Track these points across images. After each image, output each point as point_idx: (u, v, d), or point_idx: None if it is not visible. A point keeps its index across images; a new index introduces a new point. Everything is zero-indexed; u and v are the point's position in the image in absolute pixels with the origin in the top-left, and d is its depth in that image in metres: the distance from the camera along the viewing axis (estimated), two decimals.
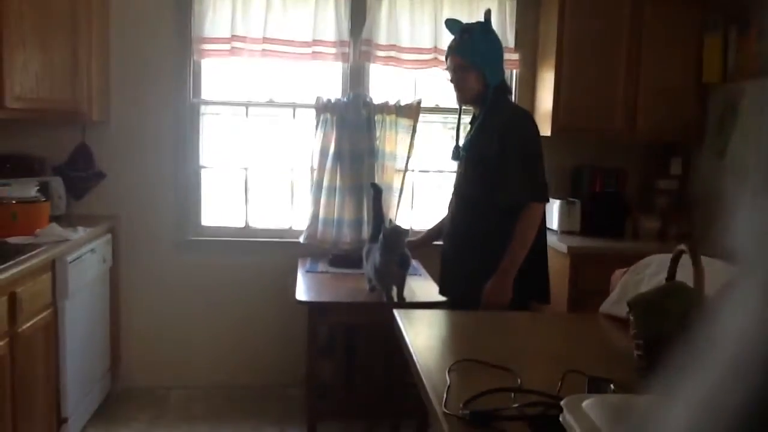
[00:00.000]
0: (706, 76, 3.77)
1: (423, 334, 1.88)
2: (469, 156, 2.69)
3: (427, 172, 4.17)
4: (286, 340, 3.85)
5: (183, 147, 3.86)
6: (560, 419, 1.00)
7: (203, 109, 3.93)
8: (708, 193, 3.86)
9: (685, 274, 1.62)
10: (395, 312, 2.01)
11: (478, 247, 2.61)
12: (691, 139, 3.89)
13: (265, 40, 3.77)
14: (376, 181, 3.81)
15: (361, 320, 3.29)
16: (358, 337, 3.73)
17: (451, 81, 2.74)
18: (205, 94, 3.92)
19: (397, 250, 2.86)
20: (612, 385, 1.18)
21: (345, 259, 3.65)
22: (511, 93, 2.72)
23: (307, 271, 3.53)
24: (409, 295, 3.00)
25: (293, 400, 3.77)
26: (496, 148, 2.57)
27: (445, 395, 1.42)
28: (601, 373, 1.48)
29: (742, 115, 3.59)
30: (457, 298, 2.69)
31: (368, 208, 3.71)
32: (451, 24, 2.74)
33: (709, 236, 3.84)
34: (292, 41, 3.79)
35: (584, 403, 0.90)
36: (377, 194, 3.22)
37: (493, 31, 2.74)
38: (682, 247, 1.62)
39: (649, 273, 1.94)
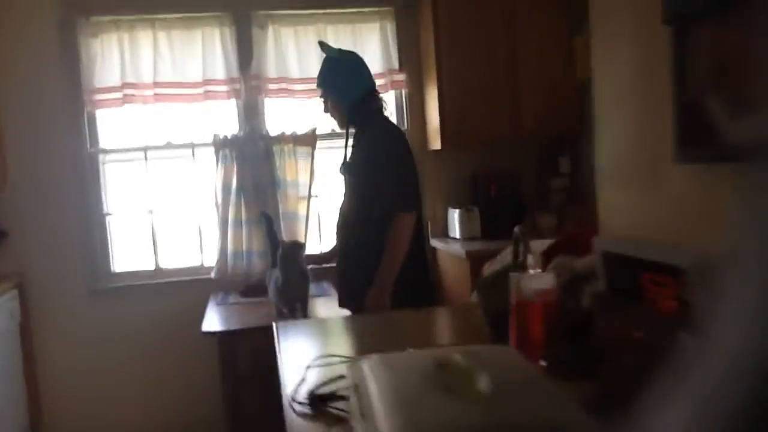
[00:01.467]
0: (579, 72, 3.99)
1: (297, 341, 1.97)
2: (346, 174, 2.81)
3: (334, 197, 4.29)
4: (206, 375, 3.87)
5: (86, 197, 3.89)
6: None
7: (102, 157, 3.97)
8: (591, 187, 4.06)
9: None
10: (274, 325, 2.10)
11: (360, 260, 2.68)
12: (574, 132, 4.09)
13: (156, 84, 3.85)
14: (281, 210, 3.91)
15: (273, 344, 3.34)
16: (272, 363, 3.77)
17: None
18: (103, 142, 3.97)
19: (296, 264, 2.95)
20: (411, 349, 1.27)
21: (256, 288, 3.71)
22: (380, 109, 2.82)
23: (218, 305, 3.58)
24: (313, 313, 3.08)
25: None
26: (364, 164, 2.69)
27: (296, 387, 1.50)
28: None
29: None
30: (353, 311, 2.78)
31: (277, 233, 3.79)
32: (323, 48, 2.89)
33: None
34: (184, 83, 3.88)
35: (363, 360, 1.00)
36: (268, 222, 3.32)
37: (335, 56, 2.84)
38: (517, 230, 1.76)
39: (502, 259, 2.07)
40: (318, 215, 4.16)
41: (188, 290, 3.94)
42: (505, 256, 2.25)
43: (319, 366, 1.66)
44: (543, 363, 1.16)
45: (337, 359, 1.70)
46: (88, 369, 3.90)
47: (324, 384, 1.47)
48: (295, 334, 2.05)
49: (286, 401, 1.44)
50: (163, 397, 3.96)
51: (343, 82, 2.78)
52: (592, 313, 1.26)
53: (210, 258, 3.99)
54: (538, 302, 1.19)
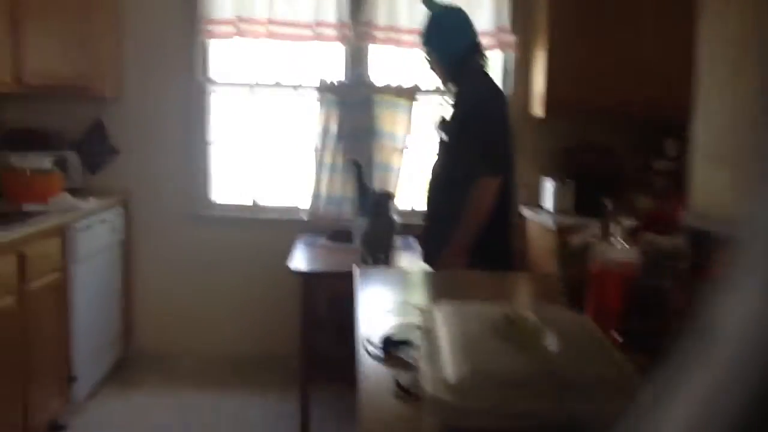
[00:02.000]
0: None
1: (376, 287, 2.02)
2: (441, 132, 2.81)
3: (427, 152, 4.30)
4: (287, 312, 4.01)
5: (193, 124, 4.05)
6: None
7: (211, 87, 4.11)
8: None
9: None
10: (354, 267, 2.15)
11: (444, 220, 2.68)
12: (685, 115, 3.90)
13: (270, 21, 3.93)
14: (375, 159, 3.95)
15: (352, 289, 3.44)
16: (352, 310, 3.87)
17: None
18: (213, 72, 4.11)
19: (385, 214, 3.01)
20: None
21: (343, 234, 3.79)
22: (481, 68, 2.77)
23: (306, 245, 3.69)
24: (395, 264, 3.14)
25: (294, 370, 3.93)
26: (457, 124, 2.67)
27: (371, 330, 1.55)
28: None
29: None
30: (434, 269, 2.80)
31: (367, 181, 3.84)
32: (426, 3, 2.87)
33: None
34: (296, 22, 3.95)
35: (436, 306, 1.03)
36: (358, 169, 3.35)
37: (438, 12, 2.81)
38: (609, 206, 1.73)
39: (589, 233, 2.04)
40: (409, 169, 4.17)
41: (280, 228, 4.06)
42: (592, 230, 2.21)
43: (394, 313, 1.71)
44: (615, 334, 1.15)
45: (413, 308, 1.74)
46: (179, 290, 4.12)
47: (398, 330, 1.51)
48: (375, 281, 2.10)
49: (360, 342, 1.50)
50: (244, 325, 4.14)
51: (445, 39, 2.75)
52: (670, 292, 1.23)
53: (303, 199, 4.09)
54: (618, 273, 1.18)
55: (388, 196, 3.03)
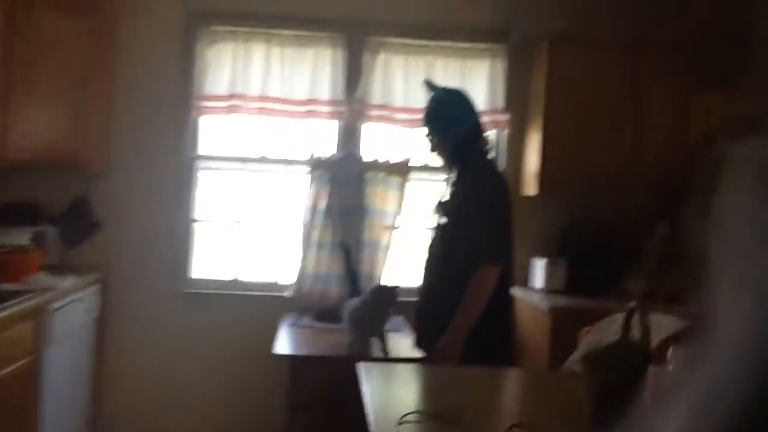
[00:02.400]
0: (692, 134, 3.82)
1: (381, 388, 1.89)
2: (441, 214, 2.74)
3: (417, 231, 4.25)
4: (270, 396, 3.83)
5: (179, 201, 3.94)
6: None
7: (200, 163, 4.02)
8: (694, 252, 3.85)
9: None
10: (357, 365, 2.03)
11: (441, 303, 2.59)
12: (678, 198, 3.91)
13: (263, 98, 3.88)
14: (365, 237, 3.86)
15: (342, 374, 3.28)
16: (340, 393, 3.70)
17: None
18: (202, 149, 4.02)
19: (386, 311, 2.92)
20: None
21: (331, 313, 3.66)
22: (484, 152, 2.73)
23: (291, 326, 3.54)
24: (390, 349, 3.00)
25: None
26: (458, 207, 2.61)
27: None
28: (550, 427, 1.49)
29: (726, 175, 3.62)
30: (427, 353, 2.69)
31: (356, 263, 3.74)
32: (428, 86, 2.84)
33: (696, 294, 3.83)
34: (289, 99, 3.90)
35: None
36: (347, 251, 3.26)
37: (440, 94, 2.79)
38: (633, 304, 1.64)
39: (611, 331, 1.94)
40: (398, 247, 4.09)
41: (263, 305, 3.92)
42: (609, 325, 2.12)
43: (410, 423, 1.58)
44: None
45: (429, 418, 1.62)
46: (154, 370, 3.92)
47: None
48: (378, 379, 1.97)
49: None
50: (223, 409, 3.94)
51: (447, 123, 2.71)
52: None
53: (288, 276, 3.96)
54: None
55: (394, 294, 2.93)
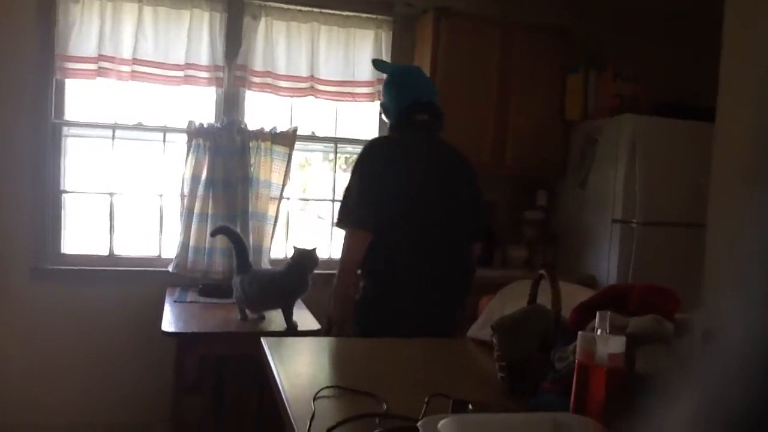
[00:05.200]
0: (568, 114, 4.00)
1: (290, 363, 1.84)
2: None
3: (307, 200, 4.20)
4: (155, 374, 3.66)
5: (43, 170, 3.63)
6: None
7: (66, 130, 3.72)
8: (570, 222, 4.07)
9: (545, 298, 1.68)
10: (263, 341, 1.96)
11: None
12: (555, 172, 4.10)
13: (135, 61, 3.63)
14: (250, 209, 3.74)
15: (234, 351, 3.19)
16: (228, 370, 3.60)
17: None
18: (69, 114, 3.72)
19: (309, 273, 2.87)
20: (470, 405, 1.19)
21: (216, 288, 3.54)
22: (404, 125, 2.70)
23: (176, 301, 3.38)
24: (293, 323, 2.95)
25: None
26: None
27: (308, 424, 1.38)
28: (466, 395, 1.50)
29: (600, 149, 3.84)
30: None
31: (243, 236, 3.62)
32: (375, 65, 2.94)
33: (570, 262, 4.05)
34: (164, 63, 3.68)
35: (440, 424, 0.89)
36: (230, 234, 3.14)
37: (387, 72, 2.83)
38: (542, 271, 1.68)
39: (513, 298, 1.99)
40: (287, 218, 4.01)
41: (142, 281, 3.72)
42: (511, 291, 2.17)
43: (326, 397, 1.54)
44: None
45: (344, 391, 1.59)
46: (24, 350, 3.62)
47: (343, 422, 1.35)
48: (286, 354, 1.92)
49: None
50: (101, 389, 3.71)
51: (386, 99, 2.74)
52: (648, 379, 1.19)
53: (168, 250, 3.78)
54: (607, 366, 1.10)
55: (314, 258, 2.88)
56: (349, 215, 2.55)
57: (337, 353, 2.06)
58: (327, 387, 1.60)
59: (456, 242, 2.64)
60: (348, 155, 4.18)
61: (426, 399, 1.49)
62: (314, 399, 1.53)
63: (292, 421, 1.42)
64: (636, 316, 1.30)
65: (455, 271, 2.63)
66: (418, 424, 1.01)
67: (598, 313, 1.16)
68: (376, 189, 2.54)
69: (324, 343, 2.18)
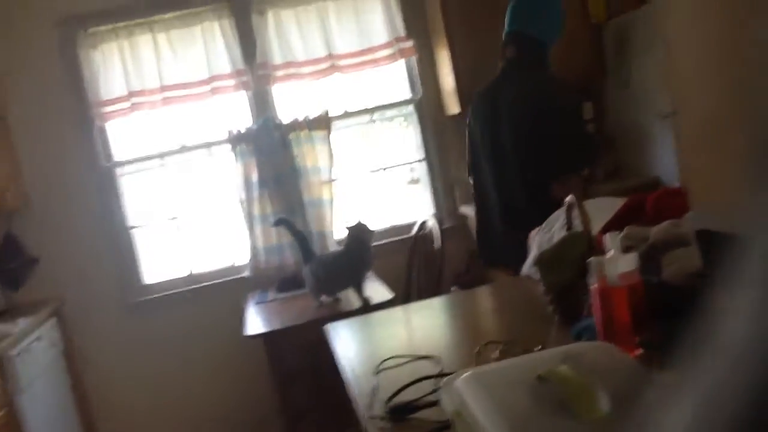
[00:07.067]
0: (593, 15, 3.86)
1: (352, 342, 1.90)
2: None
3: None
4: (254, 375, 3.83)
5: (108, 212, 3.83)
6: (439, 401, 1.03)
7: (120, 170, 3.90)
8: (622, 125, 3.95)
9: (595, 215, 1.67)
10: (325, 328, 2.03)
11: None
12: (595, 77, 3.97)
13: (163, 88, 3.75)
14: (305, 198, 3.82)
15: (319, 336, 3.29)
16: (321, 354, 3.72)
17: None
18: (117, 154, 3.89)
19: (366, 247, 2.93)
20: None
21: (292, 281, 3.64)
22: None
23: (257, 303, 3.52)
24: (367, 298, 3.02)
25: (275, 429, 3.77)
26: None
27: (369, 400, 1.43)
28: (521, 336, 1.52)
29: (636, 44, 3.69)
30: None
31: (304, 226, 3.72)
32: None
33: (633, 167, 3.94)
34: (190, 83, 3.78)
35: (458, 381, 0.92)
36: (288, 225, 3.23)
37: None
38: (570, 199, 1.67)
39: (558, 227, 1.98)
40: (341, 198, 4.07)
41: (224, 292, 3.88)
42: (554, 222, 2.16)
43: (387, 369, 1.60)
44: (639, 351, 1.08)
45: (403, 360, 1.64)
46: (137, 385, 3.87)
47: (399, 391, 1.40)
48: (347, 334, 1.99)
49: (363, 420, 1.38)
50: (213, 401, 3.93)
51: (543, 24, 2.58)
52: (677, 287, 1.17)
53: (242, 257, 3.93)
54: (623, 286, 1.10)
55: (367, 230, 2.93)
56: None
57: (394, 324, 2.11)
58: (387, 359, 1.65)
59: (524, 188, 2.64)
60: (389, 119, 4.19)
61: (476, 349, 1.52)
62: (377, 373, 1.58)
63: (356, 398, 1.49)
64: (655, 224, 1.28)
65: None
66: (441, 384, 1.05)
67: (607, 235, 1.15)
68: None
69: (379, 316, 2.23)
